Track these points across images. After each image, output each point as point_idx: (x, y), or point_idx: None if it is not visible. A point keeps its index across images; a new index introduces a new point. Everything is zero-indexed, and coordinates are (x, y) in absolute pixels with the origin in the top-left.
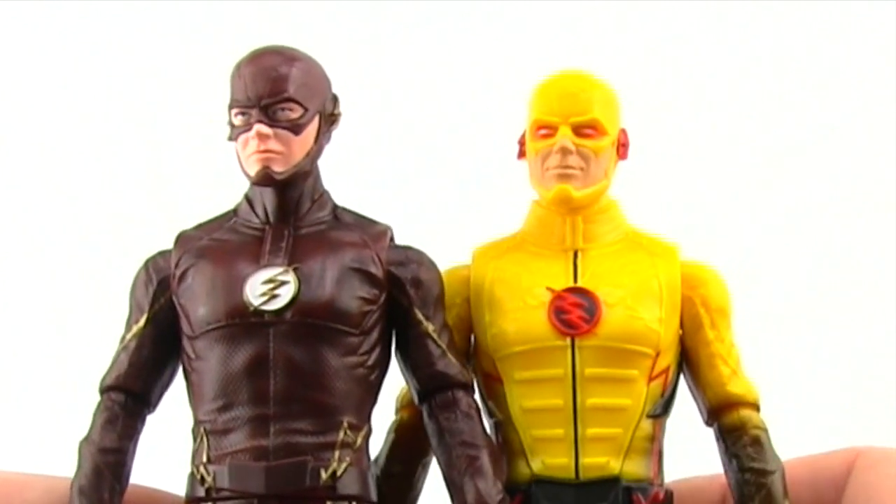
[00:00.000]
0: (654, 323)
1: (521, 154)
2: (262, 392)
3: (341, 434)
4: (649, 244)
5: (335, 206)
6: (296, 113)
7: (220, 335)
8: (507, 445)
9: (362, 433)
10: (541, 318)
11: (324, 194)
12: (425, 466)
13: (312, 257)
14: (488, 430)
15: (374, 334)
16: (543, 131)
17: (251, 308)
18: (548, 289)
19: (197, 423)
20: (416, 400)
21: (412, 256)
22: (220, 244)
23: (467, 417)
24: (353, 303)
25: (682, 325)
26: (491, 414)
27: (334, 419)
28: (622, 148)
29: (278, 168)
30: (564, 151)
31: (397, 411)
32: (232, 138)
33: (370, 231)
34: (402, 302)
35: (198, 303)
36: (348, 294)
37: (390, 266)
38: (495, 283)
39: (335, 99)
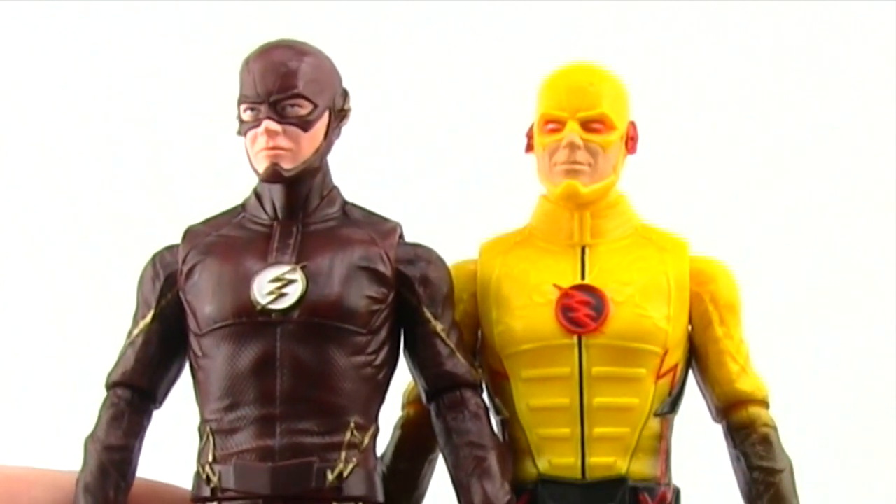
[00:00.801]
0: (663, 321)
1: (529, 148)
2: (268, 392)
3: (348, 434)
4: (659, 239)
5: (345, 203)
6: (305, 109)
7: (226, 334)
8: (513, 444)
9: (369, 433)
10: (548, 316)
11: (333, 190)
12: (431, 463)
13: (320, 255)
14: (495, 427)
15: (382, 333)
16: (551, 126)
17: (258, 307)
18: (555, 286)
19: (203, 421)
20: (424, 399)
21: (421, 254)
22: (227, 241)
23: (475, 417)
24: (361, 302)
25: (690, 322)
26: (497, 411)
27: (341, 419)
28: (631, 142)
29: (287, 165)
30: (572, 147)
31: (404, 407)
32: (241, 133)
33: (379, 228)
34: (411, 301)
35: (204, 300)
36: (356, 293)
37: (399, 264)
38: (502, 279)
39: (345, 94)
